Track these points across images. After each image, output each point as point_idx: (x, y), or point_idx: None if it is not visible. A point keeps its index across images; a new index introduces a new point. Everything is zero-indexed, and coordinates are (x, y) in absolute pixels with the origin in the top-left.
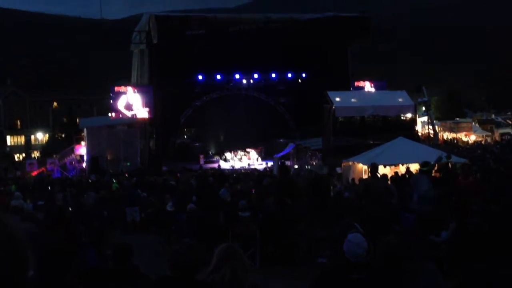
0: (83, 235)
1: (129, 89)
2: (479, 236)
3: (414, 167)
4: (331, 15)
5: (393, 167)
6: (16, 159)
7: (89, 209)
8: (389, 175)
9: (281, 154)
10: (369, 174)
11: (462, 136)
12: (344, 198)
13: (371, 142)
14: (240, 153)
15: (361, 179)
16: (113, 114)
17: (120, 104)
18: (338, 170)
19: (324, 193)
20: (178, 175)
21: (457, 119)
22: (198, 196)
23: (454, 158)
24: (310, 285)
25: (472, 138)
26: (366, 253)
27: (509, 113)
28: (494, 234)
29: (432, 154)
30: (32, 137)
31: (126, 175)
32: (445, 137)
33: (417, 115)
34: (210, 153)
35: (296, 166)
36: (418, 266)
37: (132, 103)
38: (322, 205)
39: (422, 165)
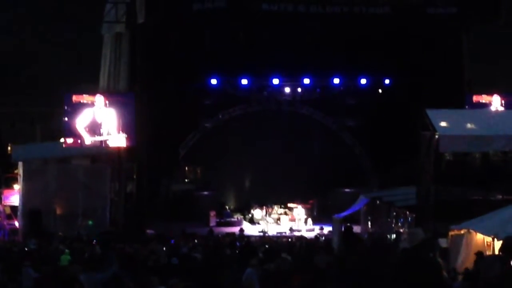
0: None
1: (98, 98)
2: None
3: None
4: None
5: None
6: None
7: None
8: None
9: (347, 213)
10: (500, 252)
11: None
12: None
13: (501, 197)
14: (278, 210)
15: (476, 261)
16: (69, 140)
17: (81, 123)
18: (443, 242)
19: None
20: (172, 241)
21: None
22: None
23: None
24: None
25: None
26: None
27: None
28: None
29: None
30: None
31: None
32: None
33: None
34: (228, 208)
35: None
36: None
37: (100, 122)
38: None
39: None
